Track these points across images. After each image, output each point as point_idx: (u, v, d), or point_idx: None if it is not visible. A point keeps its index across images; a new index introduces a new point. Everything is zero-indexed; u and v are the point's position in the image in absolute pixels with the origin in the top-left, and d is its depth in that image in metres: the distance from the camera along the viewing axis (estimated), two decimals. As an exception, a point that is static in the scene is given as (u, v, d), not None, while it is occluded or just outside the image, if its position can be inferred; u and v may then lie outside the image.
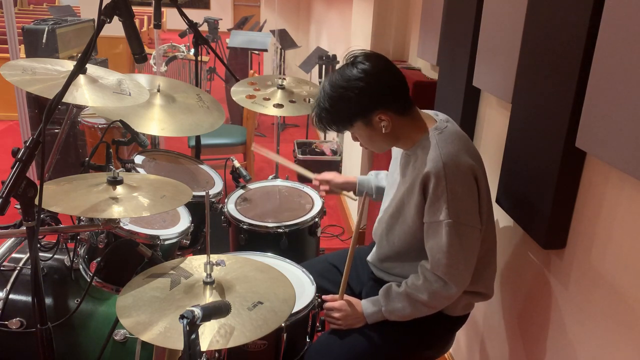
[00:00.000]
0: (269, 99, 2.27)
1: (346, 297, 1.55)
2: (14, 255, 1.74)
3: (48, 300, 1.65)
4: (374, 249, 1.65)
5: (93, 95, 1.58)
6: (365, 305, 1.51)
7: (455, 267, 1.36)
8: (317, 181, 1.90)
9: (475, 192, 1.37)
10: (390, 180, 1.62)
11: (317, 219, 2.10)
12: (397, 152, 1.60)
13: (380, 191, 1.79)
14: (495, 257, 1.54)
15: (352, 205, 3.57)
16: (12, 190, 1.10)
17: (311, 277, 1.65)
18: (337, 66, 1.49)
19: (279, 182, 2.39)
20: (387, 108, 1.37)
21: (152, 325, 1.16)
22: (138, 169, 2.08)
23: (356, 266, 1.75)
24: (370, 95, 1.35)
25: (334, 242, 3.39)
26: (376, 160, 3.08)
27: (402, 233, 1.48)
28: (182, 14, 2.32)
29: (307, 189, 2.32)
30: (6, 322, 1.59)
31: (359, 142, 1.50)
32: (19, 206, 1.15)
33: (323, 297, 1.57)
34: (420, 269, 1.44)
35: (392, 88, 1.38)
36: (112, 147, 1.85)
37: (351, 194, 1.88)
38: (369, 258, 1.68)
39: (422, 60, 2.64)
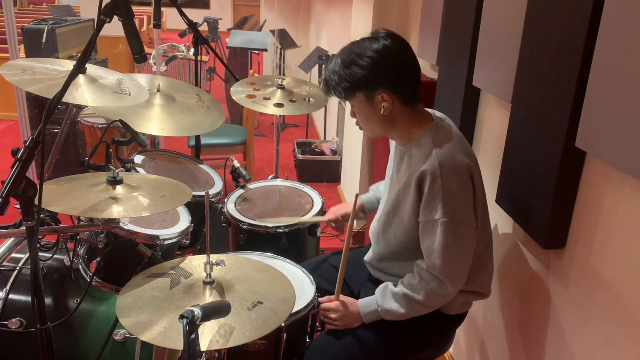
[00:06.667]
0: (269, 99, 2.27)
1: (342, 297, 1.55)
2: (14, 255, 1.74)
3: (48, 300, 1.65)
4: (371, 248, 1.65)
5: (93, 95, 1.57)
6: (362, 305, 1.51)
7: (451, 266, 1.36)
8: (332, 223, 1.91)
9: (471, 191, 1.37)
10: (387, 178, 1.62)
11: (317, 219, 2.10)
12: (394, 151, 1.60)
13: None
14: (492, 256, 1.54)
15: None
16: (12, 190, 1.10)
17: (311, 277, 1.65)
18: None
19: (279, 182, 2.39)
20: (392, 90, 1.36)
21: (152, 325, 1.16)
22: (138, 169, 2.08)
23: (354, 267, 1.75)
24: (381, 70, 1.35)
25: (334, 242, 3.39)
26: (376, 160, 3.08)
27: (399, 232, 1.48)
28: (182, 14, 2.32)
29: (307, 189, 2.31)
30: (6, 322, 1.59)
31: (355, 121, 1.49)
32: (19, 206, 1.15)
33: (319, 299, 1.57)
34: (417, 268, 1.44)
35: (403, 72, 1.38)
36: (112, 147, 1.85)
37: (361, 214, 1.87)
38: (366, 258, 1.68)
39: (422, 60, 2.64)
